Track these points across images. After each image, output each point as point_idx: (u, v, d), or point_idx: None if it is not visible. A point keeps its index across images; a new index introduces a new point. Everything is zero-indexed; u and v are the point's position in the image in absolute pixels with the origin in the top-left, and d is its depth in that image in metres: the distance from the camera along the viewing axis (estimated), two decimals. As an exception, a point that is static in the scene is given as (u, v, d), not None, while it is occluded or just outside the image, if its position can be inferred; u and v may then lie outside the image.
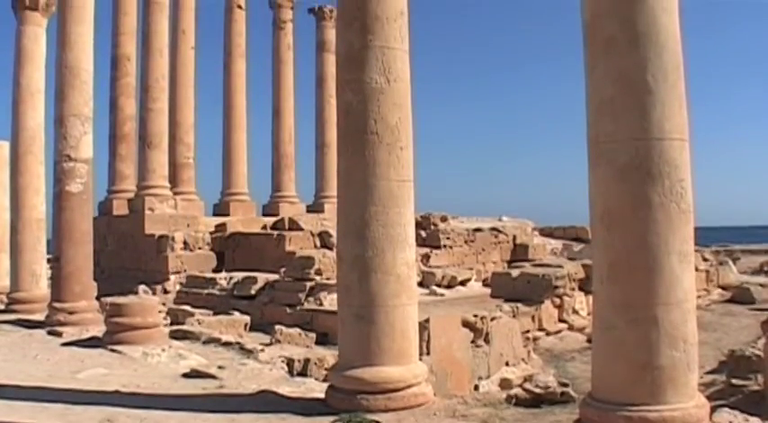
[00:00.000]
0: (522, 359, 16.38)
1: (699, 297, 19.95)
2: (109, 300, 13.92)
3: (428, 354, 12.98)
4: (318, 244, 25.12)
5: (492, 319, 15.62)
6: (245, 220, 29.77)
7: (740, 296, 27.88)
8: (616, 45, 7.10)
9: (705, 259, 30.67)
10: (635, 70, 6.99)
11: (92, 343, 13.45)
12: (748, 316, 24.19)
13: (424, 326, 12.70)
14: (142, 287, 23.69)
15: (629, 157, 6.91)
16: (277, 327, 15.58)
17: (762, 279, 32.46)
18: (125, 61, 28.37)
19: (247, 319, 16.72)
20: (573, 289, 21.42)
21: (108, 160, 28.84)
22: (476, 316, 15.20)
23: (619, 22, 7.09)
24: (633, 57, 7.01)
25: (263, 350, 13.19)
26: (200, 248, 25.80)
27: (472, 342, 14.82)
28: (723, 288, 29.95)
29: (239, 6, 33.07)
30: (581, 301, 21.44)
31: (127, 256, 27.14)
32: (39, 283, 18.27)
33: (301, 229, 26.19)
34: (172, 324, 16.20)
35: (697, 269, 25.07)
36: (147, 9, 27.92)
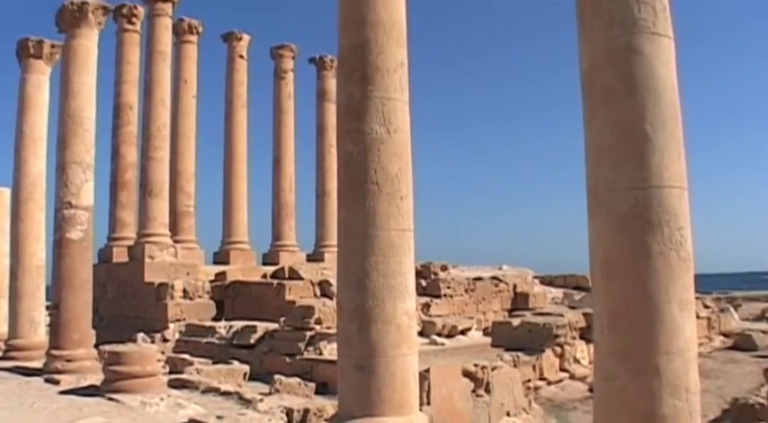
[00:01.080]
0: (524, 409, 16.23)
1: (701, 344, 19.87)
2: (107, 348, 13.86)
3: (428, 404, 12.88)
4: (318, 293, 25.06)
5: (493, 369, 15.52)
6: (245, 268, 29.73)
7: (742, 343, 27.74)
8: (614, 95, 7.16)
9: (706, 306, 30.57)
10: (633, 119, 7.04)
11: (90, 391, 13.36)
12: (751, 363, 24.04)
13: (424, 376, 12.63)
14: (141, 335, 23.59)
15: (629, 205, 6.92)
16: (276, 376, 15.49)
17: (764, 326, 32.28)
18: (127, 110, 28.57)
19: (246, 368, 16.63)
20: (574, 338, 21.32)
21: (109, 208, 28.91)
22: (476, 365, 15.11)
23: (616, 73, 7.17)
24: (631, 106, 7.07)
25: (262, 400, 13.09)
26: (199, 297, 25.72)
27: (473, 392, 14.71)
28: (725, 335, 29.81)
29: (241, 56, 33.41)
30: (582, 350, 21.32)
31: (126, 303, 27.06)
32: (37, 330, 18.19)
33: (301, 279, 26.15)
34: (171, 373, 16.10)
35: (698, 316, 25.00)
36: (149, 58, 28.21)
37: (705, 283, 36.40)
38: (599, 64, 7.35)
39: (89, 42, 16.39)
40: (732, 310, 34.21)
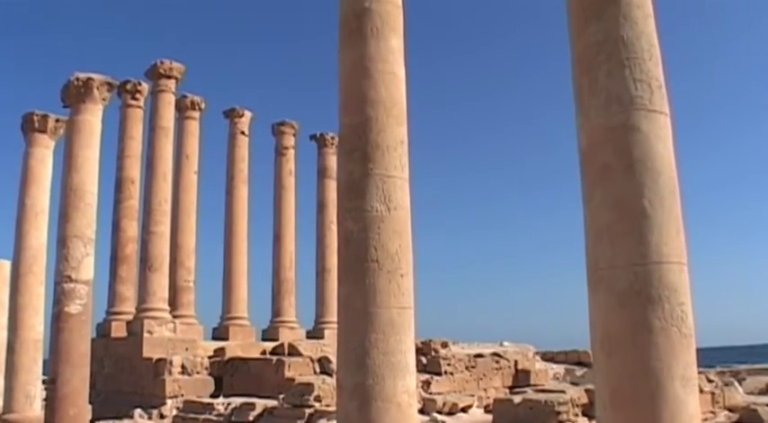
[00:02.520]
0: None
1: (705, 420, 19.60)
2: (104, 424, 13.70)
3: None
4: (318, 370, 24.82)
5: (494, 447, 15.32)
6: (244, 344, 29.51)
7: (748, 418, 27.31)
8: (612, 172, 7.23)
9: (710, 380, 30.20)
10: (631, 196, 7.10)
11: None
12: (758, 438, 23.64)
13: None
14: (138, 411, 23.29)
15: (629, 282, 6.94)
16: (274, 454, 15.28)
17: (770, 399, 31.84)
18: (129, 184, 28.72)
19: (244, 445, 16.41)
20: (576, 415, 21.06)
21: (108, 281, 28.82)
22: (477, 444, 14.92)
23: (614, 150, 7.25)
24: (629, 183, 7.13)
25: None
26: (198, 373, 25.47)
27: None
28: (730, 410, 29.36)
29: (242, 133, 33.70)
30: (585, 428, 21.04)
31: (124, 378, 26.78)
32: (33, 404, 17.99)
33: (301, 355, 25.93)
34: (167, 450, 15.90)
35: (702, 391, 24.70)
36: (152, 134, 28.47)
37: (708, 357, 36.14)
38: (597, 142, 7.45)
39: (93, 117, 16.59)
40: (736, 383, 33.78)
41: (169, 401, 24.17)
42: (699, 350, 7.15)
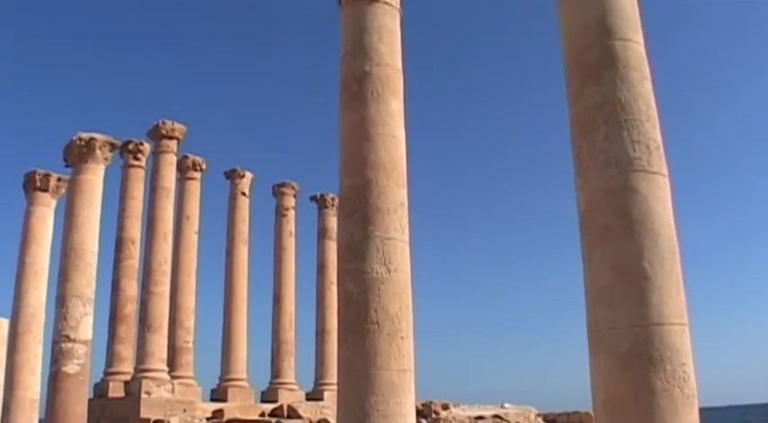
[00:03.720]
0: None
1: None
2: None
3: None
4: (316, 431, 24.56)
5: None
6: (243, 406, 29.20)
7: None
8: (611, 233, 7.26)
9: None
10: (631, 258, 7.12)
11: None
12: None
13: None
14: (134, 474, 22.98)
15: (630, 343, 6.92)
16: None
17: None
18: (129, 244, 28.70)
19: None
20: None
21: (107, 341, 28.63)
22: None
23: (613, 212, 7.29)
24: (629, 244, 7.16)
25: None
26: (195, 434, 25.17)
27: None
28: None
29: (243, 193, 33.81)
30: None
31: (120, 441, 26.47)
32: (28, 466, 17.78)
33: (300, 417, 25.67)
34: None
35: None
36: (153, 194, 28.53)
37: (712, 417, 35.76)
38: (596, 203, 7.49)
39: (95, 177, 16.68)
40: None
41: (166, 463, 23.85)
42: (702, 410, 7.11)
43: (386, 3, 11.21)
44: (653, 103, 8.18)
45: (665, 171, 7.73)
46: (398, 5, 11.61)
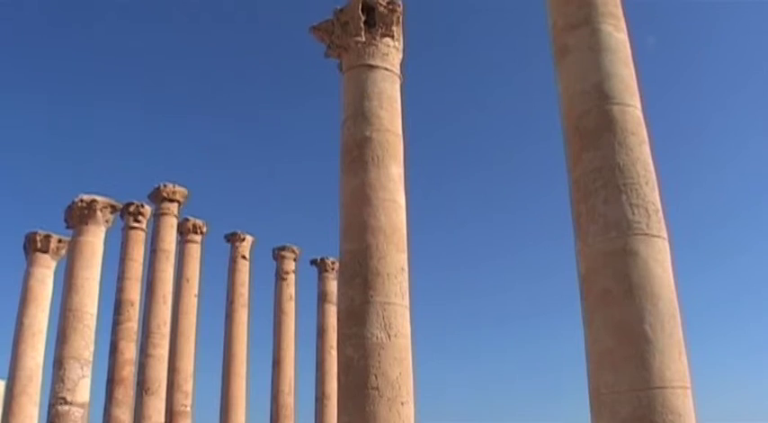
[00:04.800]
0: None
1: None
2: None
3: None
4: (314, 498, 24.19)
5: None
6: (239, 471, 28.83)
7: None
8: (612, 297, 7.26)
9: None
10: (632, 321, 7.10)
11: None
12: None
13: None
14: None
15: (632, 407, 6.87)
16: None
17: None
18: (128, 306, 28.55)
19: None
20: None
21: (104, 404, 28.32)
22: None
23: (613, 275, 7.30)
24: (629, 308, 7.15)
25: None
26: None
27: None
28: None
29: (243, 257, 33.77)
30: None
31: None
32: None
33: (297, 483, 25.32)
34: None
35: None
36: (153, 256, 28.50)
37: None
38: (596, 267, 7.50)
39: (95, 239, 16.71)
40: None
41: None
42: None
43: (386, 69, 11.37)
44: (651, 167, 8.24)
45: (665, 234, 7.76)
46: (398, 71, 11.77)
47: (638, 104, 8.99)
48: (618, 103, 8.70)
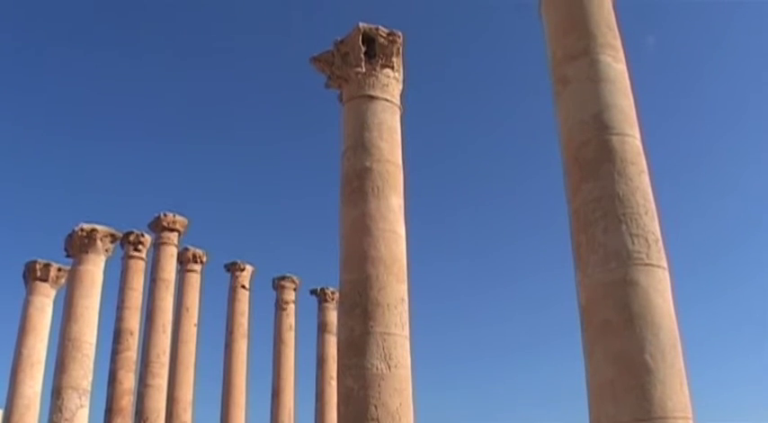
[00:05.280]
0: None
1: None
2: None
3: None
4: None
5: None
6: None
7: None
8: (612, 327, 7.25)
9: None
10: (633, 352, 7.08)
11: None
12: None
13: None
14: None
15: (633, 438, 6.84)
16: None
17: None
18: (128, 335, 28.46)
19: None
20: None
21: (102, 434, 28.20)
22: None
23: (614, 305, 7.29)
24: (630, 338, 7.13)
25: None
26: None
27: None
28: None
29: (243, 286, 33.71)
30: None
31: None
32: None
33: None
34: None
35: None
36: (153, 285, 28.46)
37: None
38: (596, 297, 7.50)
39: (95, 268, 16.71)
40: None
41: None
42: None
43: (386, 100, 11.44)
44: (651, 196, 8.26)
45: (665, 263, 7.76)
46: (399, 102, 11.83)
47: (638, 134, 9.03)
48: (617, 134, 8.74)
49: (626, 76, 9.69)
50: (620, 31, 10.17)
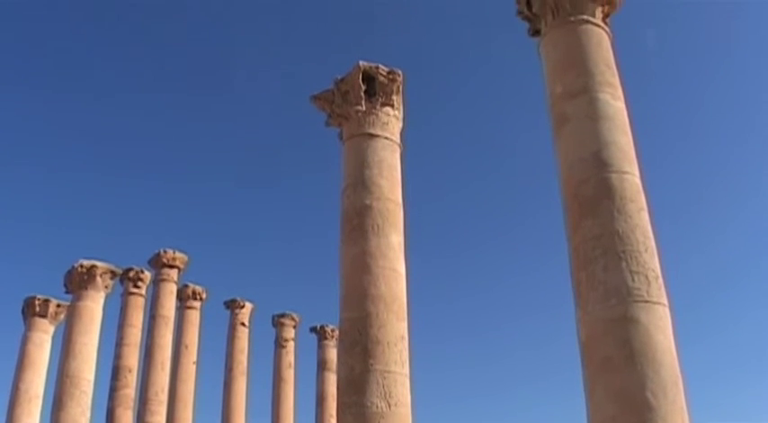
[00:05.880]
0: None
1: None
2: None
3: None
4: None
5: None
6: None
7: None
8: (613, 364, 7.23)
9: None
10: (634, 388, 7.06)
11: None
12: None
13: None
14: None
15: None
16: None
17: None
18: (126, 372, 28.32)
19: None
20: None
21: (99, 474, 27.97)
22: None
23: (614, 343, 7.28)
24: (631, 375, 7.11)
25: None
26: None
27: None
28: None
29: (242, 324, 33.61)
30: None
31: None
32: None
33: None
34: None
35: None
36: (152, 322, 28.37)
37: None
38: (597, 334, 7.49)
39: (94, 304, 16.69)
40: None
41: None
42: None
43: (386, 138, 11.49)
44: (650, 234, 8.28)
45: (665, 300, 7.77)
46: (398, 140, 11.89)
47: (637, 172, 9.06)
48: (616, 172, 8.77)
49: (624, 113, 9.75)
50: (618, 68, 10.24)
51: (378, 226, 10.36)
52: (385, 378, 9.15)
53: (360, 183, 10.92)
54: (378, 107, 11.78)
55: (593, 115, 9.44)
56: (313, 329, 36.49)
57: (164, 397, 27.99)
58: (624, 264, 7.83)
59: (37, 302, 19.54)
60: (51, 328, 19.51)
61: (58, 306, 19.59)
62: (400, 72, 12.28)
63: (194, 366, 30.61)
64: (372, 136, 11.47)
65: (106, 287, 17.19)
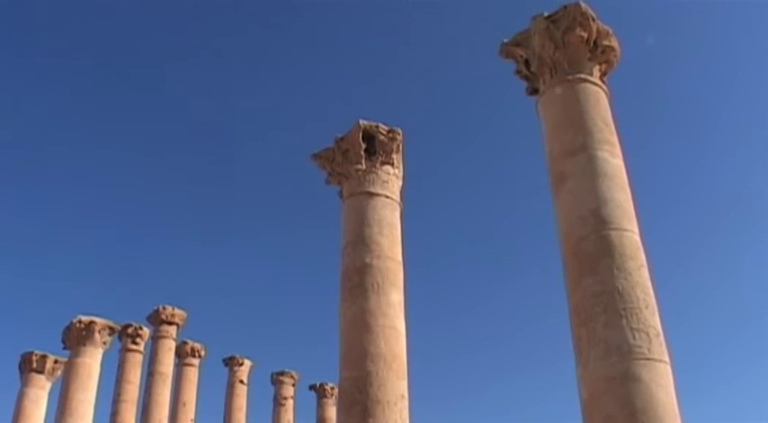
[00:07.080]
0: None
1: None
2: None
3: None
4: None
5: None
6: None
7: None
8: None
9: None
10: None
11: None
12: None
13: None
14: None
15: None
16: None
17: None
18: (123, 431, 28.10)
19: None
20: None
21: None
22: None
23: (615, 401, 7.24)
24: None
25: None
26: None
27: None
28: None
29: (241, 381, 33.38)
30: None
31: None
32: None
33: None
34: None
35: None
36: (150, 379, 28.16)
37: None
38: (598, 393, 7.44)
39: (92, 361, 16.61)
40: None
41: None
42: None
43: (386, 196, 11.55)
44: (651, 291, 8.28)
45: (667, 358, 7.73)
46: (398, 198, 11.94)
47: (636, 229, 9.08)
48: (615, 229, 8.79)
49: (623, 170, 9.80)
50: (616, 126, 10.32)
51: (378, 284, 10.36)
52: (385, 439, 9.09)
53: (360, 241, 10.94)
54: (378, 165, 11.86)
55: (591, 173, 9.49)
56: (312, 387, 36.22)
57: (161, 455, 27.67)
58: (625, 321, 7.82)
59: (34, 358, 19.44)
60: (48, 385, 19.39)
61: (56, 362, 19.50)
62: (400, 131, 12.37)
63: (192, 424, 30.30)
64: (372, 194, 11.53)
65: (104, 343, 17.12)
